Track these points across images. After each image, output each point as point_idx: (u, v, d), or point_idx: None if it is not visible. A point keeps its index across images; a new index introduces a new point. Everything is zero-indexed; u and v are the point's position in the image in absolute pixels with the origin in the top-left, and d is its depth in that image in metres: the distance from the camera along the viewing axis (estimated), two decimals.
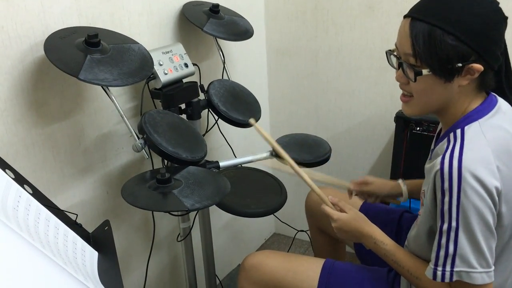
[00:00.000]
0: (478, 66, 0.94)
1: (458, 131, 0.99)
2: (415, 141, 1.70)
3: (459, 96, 0.99)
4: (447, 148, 0.97)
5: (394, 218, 1.39)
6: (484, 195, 0.90)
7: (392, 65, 1.08)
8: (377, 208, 1.44)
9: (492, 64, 0.97)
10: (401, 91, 1.07)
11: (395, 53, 1.04)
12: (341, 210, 1.19)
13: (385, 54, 1.09)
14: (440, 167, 0.93)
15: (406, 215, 1.40)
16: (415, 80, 0.97)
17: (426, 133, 1.66)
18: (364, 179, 1.39)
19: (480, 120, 0.98)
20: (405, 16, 1.00)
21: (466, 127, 0.98)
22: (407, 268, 1.08)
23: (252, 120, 1.35)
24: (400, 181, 1.36)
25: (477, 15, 0.93)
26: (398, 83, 1.07)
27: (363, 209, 1.43)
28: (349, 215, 1.17)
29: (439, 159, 0.95)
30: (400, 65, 1.02)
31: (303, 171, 1.23)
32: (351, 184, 1.40)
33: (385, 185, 1.37)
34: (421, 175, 1.18)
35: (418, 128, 1.68)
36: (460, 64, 0.93)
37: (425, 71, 0.96)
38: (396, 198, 1.39)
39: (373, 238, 1.14)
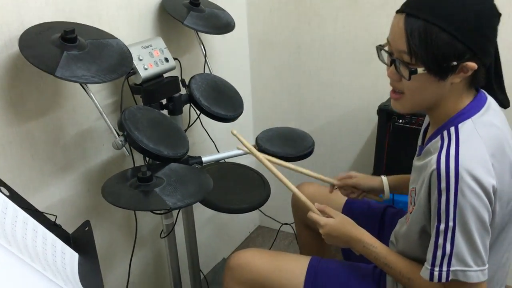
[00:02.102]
0: (473, 64, 0.92)
1: (452, 129, 0.98)
2: (398, 133, 1.70)
3: (450, 93, 0.98)
4: (442, 146, 0.96)
5: (377, 213, 1.39)
6: (481, 194, 0.90)
7: (382, 61, 1.05)
8: (360, 204, 1.44)
9: (485, 61, 0.96)
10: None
11: (386, 49, 1.01)
12: (328, 216, 1.19)
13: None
14: (437, 166, 0.93)
15: (389, 210, 1.40)
16: (410, 79, 0.95)
17: (409, 126, 1.67)
18: (347, 173, 1.39)
19: (473, 118, 0.98)
20: (398, 11, 0.96)
21: (460, 125, 0.97)
22: (399, 270, 1.08)
23: (233, 131, 1.32)
24: (382, 177, 1.36)
25: (473, 12, 0.91)
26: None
27: (347, 205, 1.43)
28: (337, 220, 1.17)
29: (434, 157, 0.95)
30: (392, 62, 0.99)
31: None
32: (335, 179, 1.39)
33: (368, 179, 1.37)
34: (404, 167, 1.17)
35: (400, 121, 1.68)
36: (455, 63, 0.92)
37: (420, 70, 0.94)
38: (379, 195, 1.39)
39: (362, 241, 1.13)
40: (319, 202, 1.23)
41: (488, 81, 1.03)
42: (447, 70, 0.93)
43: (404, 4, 0.96)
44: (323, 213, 1.21)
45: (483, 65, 0.96)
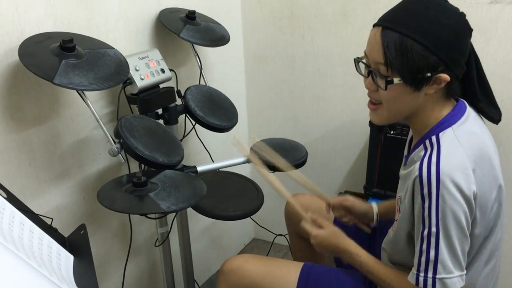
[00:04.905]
0: (445, 76, 0.97)
1: (434, 138, 1.01)
2: (390, 144, 1.73)
3: (426, 103, 1.03)
4: (425, 154, 0.99)
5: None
6: (460, 199, 0.93)
7: (360, 73, 1.10)
8: None
9: (458, 74, 1.01)
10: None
11: (364, 61, 1.06)
12: (319, 226, 1.22)
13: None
14: (419, 173, 0.96)
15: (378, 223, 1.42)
16: (386, 89, 1.00)
17: (400, 137, 1.70)
18: (344, 197, 1.41)
19: (453, 126, 1.01)
20: (374, 25, 1.02)
21: (440, 134, 1.01)
22: (381, 277, 1.11)
23: (233, 141, 1.35)
24: (373, 203, 1.39)
25: (445, 26, 0.96)
26: None
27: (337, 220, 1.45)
28: (327, 231, 1.21)
29: (417, 165, 0.98)
30: (369, 73, 1.04)
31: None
32: (332, 198, 1.41)
33: (362, 205, 1.39)
34: (396, 177, 1.20)
35: (392, 132, 1.71)
36: (429, 74, 0.97)
37: (396, 80, 0.98)
38: (369, 223, 1.41)
39: (348, 252, 1.16)
40: (312, 212, 1.26)
41: (473, 92, 1.07)
42: (421, 81, 0.98)
43: (381, 18, 1.02)
44: (315, 223, 1.24)
45: (455, 76, 1.01)
